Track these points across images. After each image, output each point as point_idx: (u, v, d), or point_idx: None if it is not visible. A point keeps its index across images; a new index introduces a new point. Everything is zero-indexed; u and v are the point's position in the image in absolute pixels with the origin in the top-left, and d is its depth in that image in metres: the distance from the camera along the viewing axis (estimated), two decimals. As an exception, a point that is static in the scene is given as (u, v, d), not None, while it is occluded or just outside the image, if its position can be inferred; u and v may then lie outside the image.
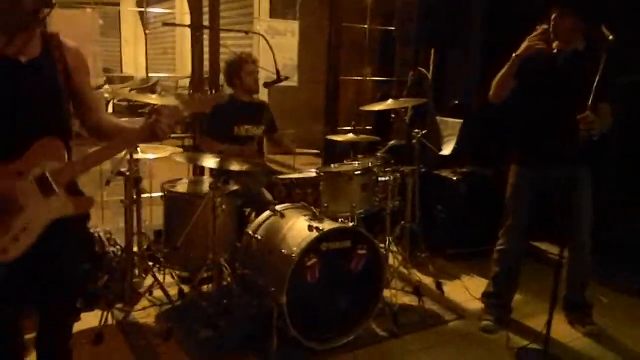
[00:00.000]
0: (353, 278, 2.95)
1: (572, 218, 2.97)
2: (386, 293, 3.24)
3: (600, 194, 4.44)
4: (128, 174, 3.14)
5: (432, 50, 4.99)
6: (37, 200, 1.88)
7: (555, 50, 2.99)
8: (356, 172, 3.32)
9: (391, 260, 3.68)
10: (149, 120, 2.04)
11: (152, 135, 2.02)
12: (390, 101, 3.81)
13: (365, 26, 4.97)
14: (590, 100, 2.60)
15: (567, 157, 2.87)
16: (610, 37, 2.57)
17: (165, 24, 4.07)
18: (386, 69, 5.67)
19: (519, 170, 3.18)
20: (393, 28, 4.66)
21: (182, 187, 3.55)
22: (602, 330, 3.21)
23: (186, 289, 3.36)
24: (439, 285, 3.72)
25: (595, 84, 2.56)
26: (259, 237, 3.10)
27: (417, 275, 3.76)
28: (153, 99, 3.38)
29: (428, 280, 3.79)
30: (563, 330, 3.19)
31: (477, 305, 3.41)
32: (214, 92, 2.37)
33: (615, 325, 3.30)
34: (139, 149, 3.25)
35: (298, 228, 2.97)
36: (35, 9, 1.88)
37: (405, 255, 3.76)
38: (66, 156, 1.96)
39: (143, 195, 3.50)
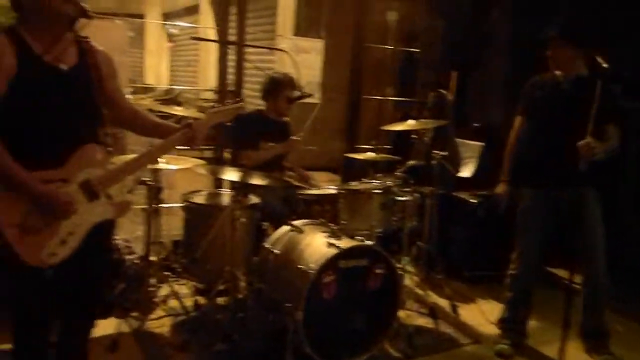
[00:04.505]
0: (369, 297, 2.94)
1: (583, 241, 2.96)
2: (401, 314, 3.22)
3: (618, 219, 4.41)
4: (152, 183, 3.18)
5: (454, 73, 5.03)
6: (82, 205, 1.94)
7: (559, 77, 3.08)
8: (376, 191, 3.33)
9: (406, 281, 3.66)
10: (182, 131, 2.15)
11: (187, 144, 2.17)
12: (411, 122, 3.82)
13: (390, 47, 5.02)
14: (591, 126, 2.66)
15: (573, 180, 2.89)
16: (604, 65, 2.62)
17: (193, 38, 4.14)
18: (406, 90, 5.70)
19: (527, 193, 3.21)
20: (416, 50, 4.68)
21: (201, 199, 3.58)
22: (618, 360, 3.16)
23: (201, 300, 3.37)
24: (455, 308, 3.70)
25: (593, 109, 2.62)
26: (277, 252, 3.11)
27: (433, 297, 3.74)
28: (178, 110, 3.45)
29: (443, 302, 3.76)
30: (579, 359, 3.14)
31: (493, 330, 3.37)
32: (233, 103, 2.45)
33: (631, 355, 3.24)
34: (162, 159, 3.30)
35: (316, 244, 2.97)
36: (74, 18, 1.94)
37: (421, 276, 3.74)
38: (106, 162, 2.03)
39: (161, 205, 3.53)
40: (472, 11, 4.51)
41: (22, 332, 2.04)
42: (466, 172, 4.59)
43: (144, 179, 3.21)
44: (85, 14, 1.93)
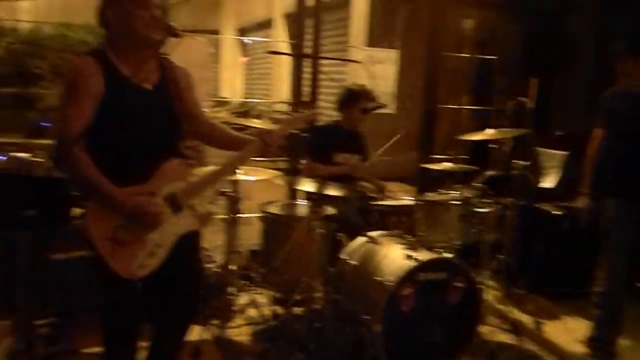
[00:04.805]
0: (448, 311, 2.88)
1: None
2: (482, 329, 3.13)
3: None
4: (231, 193, 3.26)
5: (533, 79, 4.85)
6: (168, 218, 2.01)
7: (635, 87, 3.05)
8: (454, 202, 3.26)
9: (486, 295, 3.55)
10: (258, 141, 2.17)
11: (263, 154, 2.18)
12: (490, 130, 3.72)
13: (466, 55, 4.92)
14: None
15: None
16: None
17: (270, 52, 4.24)
18: (481, 98, 5.57)
19: (609, 205, 3.08)
20: (493, 56, 4.56)
21: (279, 209, 3.63)
22: None
23: (279, 309, 3.40)
24: (538, 325, 3.54)
25: None
26: (353, 263, 3.10)
27: (514, 313, 3.60)
28: (255, 123, 3.53)
29: (525, 319, 3.61)
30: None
31: (580, 349, 3.20)
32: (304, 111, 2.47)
33: None
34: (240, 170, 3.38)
35: (393, 256, 2.95)
36: (163, 39, 2.02)
37: (502, 291, 3.61)
38: (189, 175, 2.09)
39: (239, 215, 3.61)
40: (553, 16, 4.34)
41: (112, 340, 2.12)
42: (549, 182, 4.41)
43: (223, 189, 3.30)
44: (174, 33, 2.00)
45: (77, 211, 2.84)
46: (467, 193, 3.44)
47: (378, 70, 4.49)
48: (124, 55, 1.99)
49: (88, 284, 2.20)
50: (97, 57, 1.96)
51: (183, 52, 2.24)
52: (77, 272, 2.70)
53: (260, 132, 2.21)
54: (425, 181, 4.69)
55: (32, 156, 2.99)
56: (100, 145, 1.95)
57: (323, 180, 3.23)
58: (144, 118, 2.00)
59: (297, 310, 3.36)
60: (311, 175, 3.50)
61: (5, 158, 2.97)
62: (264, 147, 2.17)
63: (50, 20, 8.33)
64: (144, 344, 2.27)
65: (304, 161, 3.86)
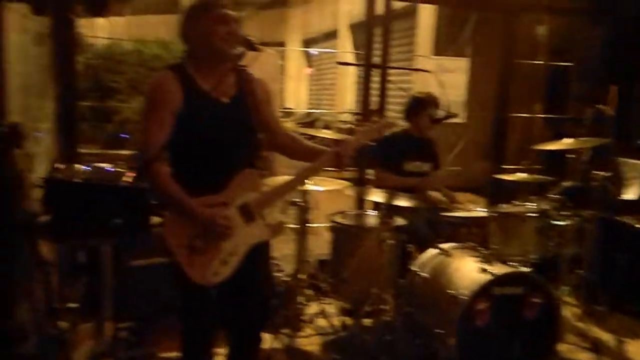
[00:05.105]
0: (525, 327, 2.78)
1: None
2: (560, 347, 2.99)
3: None
4: (302, 203, 3.29)
5: (613, 86, 4.63)
6: (241, 227, 2.05)
7: None
8: (530, 214, 3.15)
9: (565, 312, 3.40)
10: (331, 152, 2.17)
11: (335, 166, 2.17)
12: (568, 140, 3.57)
13: (541, 62, 4.77)
14: None
15: None
16: None
17: (339, 63, 4.27)
18: (555, 105, 5.36)
19: None
20: (569, 63, 4.39)
21: (348, 219, 3.62)
22: None
23: (348, 320, 3.39)
24: (620, 344, 3.35)
25: None
26: (424, 275, 3.05)
27: (594, 331, 3.42)
28: (324, 133, 3.56)
29: (606, 337, 3.43)
30: None
31: (668, 372, 3.01)
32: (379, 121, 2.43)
33: None
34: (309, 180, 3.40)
35: (466, 269, 2.88)
36: (242, 53, 2.06)
37: (581, 308, 3.45)
38: (261, 185, 2.12)
39: (309, 225, 3.62)
40: (633, 19, 4.14)
41: (189, 346, 2.17)
42: (631, 194, 4.18)
43: (294, 199, 3.33)
44: (252, 47, 2.04)
45: (156, 219, 2.95)
46: (544, 205, 3.32)
47: (447, 79, 4.42)
48: (203, 69, 2.05)
49: (166, 289, 2.27)
50: (177, 71, 2.02)
51: (254, 65, 2.28)
52: (156, 278, 2.80)
53: (334, 143, 2.22)
54: (497, 192, 4.56)
55: (114, 166, 3.13)
56: (179, 157, 2.02)
57: (393, 190, 3.21)
58: (221, 131, 2.04)
59: (367, 321, 3.34)
60: (381, 185, 3.48)
61: (89, 168, 3.11)
62: (337, 157, 2.17)
63: (126, 37, 8.70)
64: (221, 350, 2.32)
65: (373, 171, 3.83)
